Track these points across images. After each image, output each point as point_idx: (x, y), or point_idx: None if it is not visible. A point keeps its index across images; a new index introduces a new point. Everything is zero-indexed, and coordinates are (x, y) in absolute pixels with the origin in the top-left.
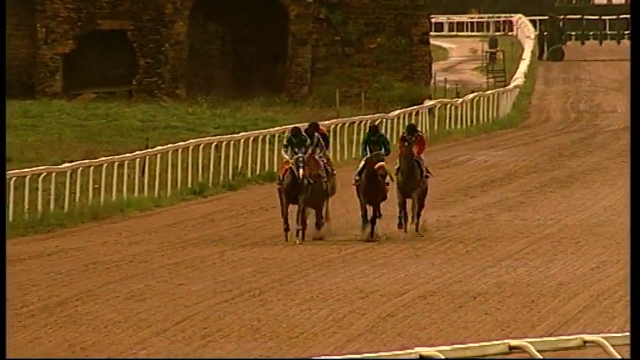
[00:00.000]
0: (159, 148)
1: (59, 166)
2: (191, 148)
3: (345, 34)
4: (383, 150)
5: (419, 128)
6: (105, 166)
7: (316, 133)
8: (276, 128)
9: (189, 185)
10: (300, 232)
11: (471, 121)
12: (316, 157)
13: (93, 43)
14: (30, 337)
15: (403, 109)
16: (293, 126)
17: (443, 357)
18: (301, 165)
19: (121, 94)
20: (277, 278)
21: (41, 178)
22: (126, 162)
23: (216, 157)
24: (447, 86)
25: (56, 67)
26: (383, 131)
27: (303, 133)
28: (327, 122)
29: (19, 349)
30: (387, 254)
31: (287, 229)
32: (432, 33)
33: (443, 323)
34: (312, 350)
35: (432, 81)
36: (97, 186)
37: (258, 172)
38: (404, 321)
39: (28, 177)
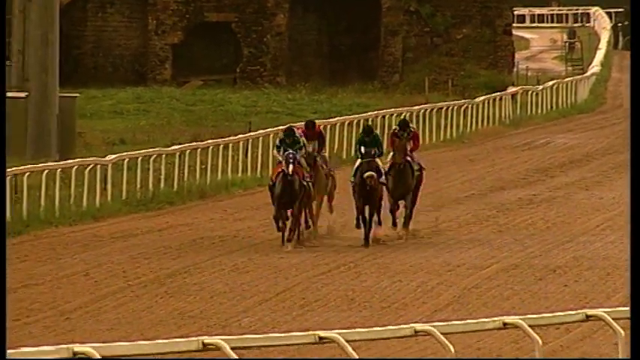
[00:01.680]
0: (261, 131)
1: (169, 148)
2: None
3: (433, 26)
4: (376, 150)
5: (499, 113)
6: (211, 148)
7: (295, 135)
8: (369, 113)
9: None
10: (295, 235)
11: (551, 107)
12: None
13: (200, 34)
14: (142, 307)
15: (488, 96)
16: (286, 126)
17: (526, 324)
18: (291, 161)
19: (225, 82)
20: (370, 252)
21: (152, 159)
22: (230, 144)
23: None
24: (529, 74)
25: (166, 56)
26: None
27: (297, 134)
28: (416, 107)
29: (132, 318)
30: (472, 230)
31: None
32: (514, 24)
33: (524, 294)
34: (402, 319)
35: (515, 69)
36: (203, 166)
37: (352, 155)
38: (488, 292)
39: (140, 158)
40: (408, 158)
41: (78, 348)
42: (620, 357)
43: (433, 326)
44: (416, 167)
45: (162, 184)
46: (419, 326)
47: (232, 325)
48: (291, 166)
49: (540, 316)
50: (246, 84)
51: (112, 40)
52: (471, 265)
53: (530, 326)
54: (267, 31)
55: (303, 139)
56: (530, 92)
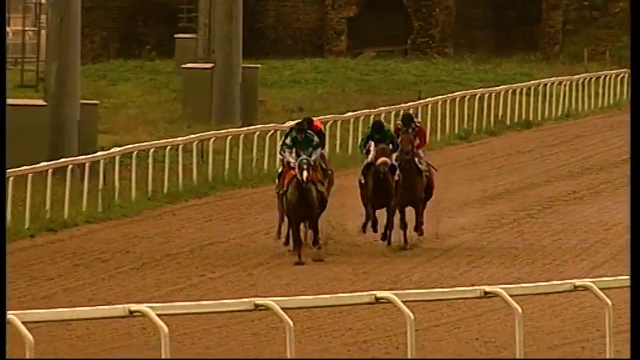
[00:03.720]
0: (430, 99)
1: (344, 115)
2: (457, 99)
3: (592, 0)
4: (391, 146)
5: None
6: (383, 115)
7: (309, 131)
8: (532, 82)
9: (456, 132)
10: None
11: None
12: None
13: (373, 8)
14: (319, 264)
15: None
16: (298, 120)
17: None
18: (305, 167)
19: (397, 53)
20: (533, 212)
21: (328, 125)
22: (401, 111)
23: (478, 107)
24: None
25: (342, 29)
26: None
27: (310, 131)
28: (575, 77)
29: (309, 274)
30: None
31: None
32: None
33: None
34: (562, 275)
35: None
36: None
37: (516, 120)
38: None
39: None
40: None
41: (259, 301)
42: None
43: (592, 282)
44: (424, 167)
45: (337, 150)
46: (578, 282)
47: (403, 280)
48: (305, 173)
49: None
50: (416, 55)
51: (292, 14)
52: (627, 223)
53: None
54: (436, 5)
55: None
56: None
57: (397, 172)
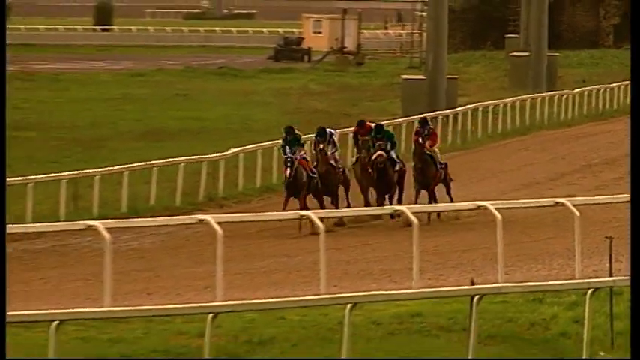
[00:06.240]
0: None
1: (609, 85)
2: None
3: None
4: (389, 144)
5: None
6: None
7: (329, 130)
8: None
9: None
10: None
11: None
12: (329, 153)
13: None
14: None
15: None
16: (287, 125)
17: None
18: (289, 165)
19: None
20: None
21: (601, 91)
22: None
23: None
24: None
25: (610, 31)
26: None
27: (297, 132)
28: None
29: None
30: None
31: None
32: None
33: None
34: None
35: None
36: None
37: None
38: None
39: None
40: (430, 153)
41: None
42: None
43: None
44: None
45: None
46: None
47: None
48: (288, 170)
49: None
50: None
51: (578, 22)
52: None
53: None
54: None
55: (330, 131)
56: None
57: (397, 165)
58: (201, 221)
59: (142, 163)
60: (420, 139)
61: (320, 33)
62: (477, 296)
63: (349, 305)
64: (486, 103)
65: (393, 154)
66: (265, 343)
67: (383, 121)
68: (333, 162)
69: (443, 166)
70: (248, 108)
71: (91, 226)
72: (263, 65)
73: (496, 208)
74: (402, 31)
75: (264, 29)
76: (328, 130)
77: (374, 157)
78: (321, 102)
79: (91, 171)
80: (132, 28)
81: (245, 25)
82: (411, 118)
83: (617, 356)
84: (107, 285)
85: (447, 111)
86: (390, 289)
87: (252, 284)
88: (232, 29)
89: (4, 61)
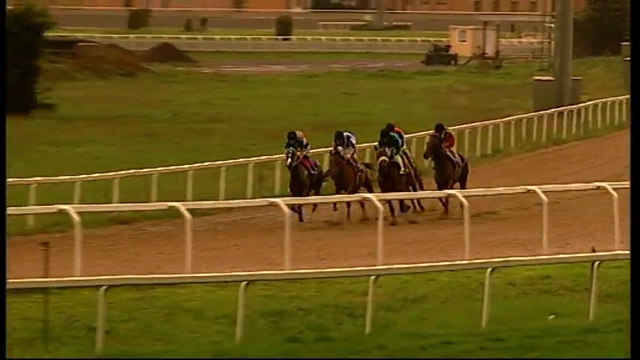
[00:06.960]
0: None
1: None
2: None
3: None
4: (393, 149)
5: None
6: None
7: (346, 133)
8: None
9: None
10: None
11: None
12: (347, 156)
13: None
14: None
15: None
16: (290, 131)
17: None
18: (290, 155)
19: None
20: None
21: None
22: None
23: None
24: None
25: None
26: None
27: (299, 137)
28: None
29: None
30: None
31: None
32: None
33: None
34: None
35: None
36: None
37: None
38: None
39: None
40: (448, 153)
41: None
42: None
43: None
44: (457, 159)
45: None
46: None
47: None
48: (289, 160)
49: None
50: None
51: None
52: None
53: None
54: None
55: (347, 134)
56: None
57: (402, 170)
58: (364, 199)
59: (319, 150)
60: (438, 142)
61: (465, 41)
62: (597, 262)
63: (489, 269)
64: (605, 100)
65: (399, 159)
66: (418, 300)
67: (516, 115)
68: (352, 162)
69: (462, 163)
70: (405, 104)
71: (273, 202)
72: (417, 68)
73: (613, 188)
74: (533, 40)
75: (418, 38)
76: (345, 133)
77: (378, 161)
78: (465, 99)
79: (273, 157)
80: (307, 37)
81: (402, 35)
82: (541, 112)
83: None
84: (287, 251)
85: (572, 106)
86: (523, 256)
87: (407, 251)
88: (391, 38)
89: (4, 61)
